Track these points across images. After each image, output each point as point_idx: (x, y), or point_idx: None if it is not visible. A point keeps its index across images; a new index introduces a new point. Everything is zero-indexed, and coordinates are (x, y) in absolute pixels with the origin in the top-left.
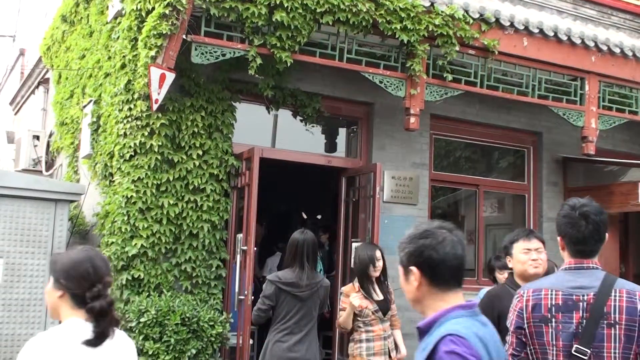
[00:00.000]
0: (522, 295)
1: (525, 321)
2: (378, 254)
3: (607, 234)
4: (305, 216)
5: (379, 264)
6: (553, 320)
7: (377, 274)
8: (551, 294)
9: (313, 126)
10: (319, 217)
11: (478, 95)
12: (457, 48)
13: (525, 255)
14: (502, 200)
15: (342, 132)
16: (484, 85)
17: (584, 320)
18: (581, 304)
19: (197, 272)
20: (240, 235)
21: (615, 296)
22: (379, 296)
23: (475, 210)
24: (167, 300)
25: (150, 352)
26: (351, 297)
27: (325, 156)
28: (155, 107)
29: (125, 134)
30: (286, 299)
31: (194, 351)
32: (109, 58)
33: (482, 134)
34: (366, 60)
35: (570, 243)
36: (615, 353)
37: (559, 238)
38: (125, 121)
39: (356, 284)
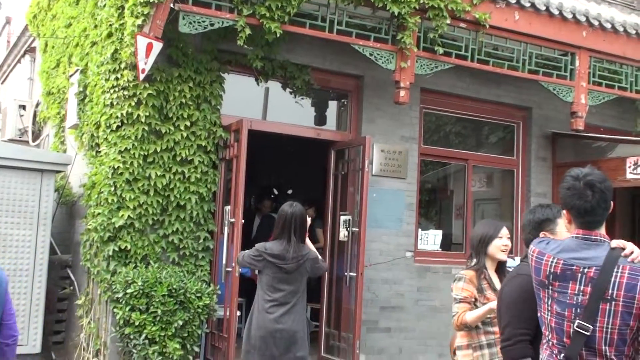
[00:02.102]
0: (529, 252)
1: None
2: (505, 230)
3: (612, 203)
4: (276, 191)
5: (508, 243)
6: (550, 287)
7: (505, 257)
8: (552, 261)
9: (302, 98)
10: (289, 192)
11: (468, 69)
12: (448, 21)
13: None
14: (491, 175)
15: (332, 105)
16: (475, 59)
17: (580, 293)
18: (579, 275)
19: (185, 243)
20: (228, 207)
21: (617, 272)
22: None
23: (464, 184)
24: (154, 271)
25: (136, 324)
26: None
27: (314, 129)
28: (142, 76)
29: (112, 104)
30: (272, 270)
31: (180, 322)
32: (96, 26)
33: (472, 108)
34: (356, 32)
35: (577, 215)
36: (607, 328)
37: (564, 211)
38: (111, 91)
39: (470, 271)
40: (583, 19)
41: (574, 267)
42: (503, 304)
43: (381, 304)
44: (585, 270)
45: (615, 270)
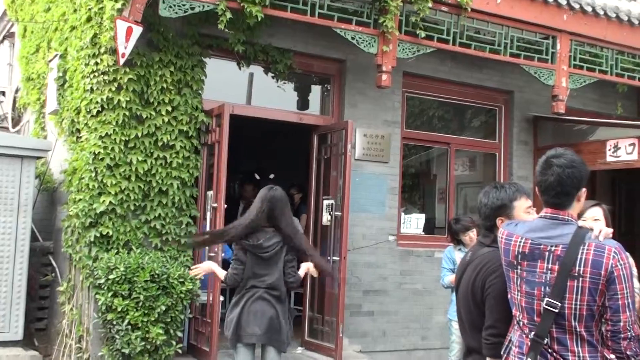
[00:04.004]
0: (499, 235)
1: (502, 261)
2: (591, 213)
3: (579, 191)
4: (258, 177)
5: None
6: (519, 267)
7: None
8: (520, 241)
9: (285, 83)
10: (271, 176)
11: (450, 53)
12: (429, 4)
13: (529, 215)
14: (473, 159)
15: (315, 89)
16: (457, 43)
17: (548, 271)
18: (547, 254)
19: (167, 229)
20: (210, 193)
21: (583, 249)
22: None
23: (446, 168)
24: (136, 257)
25: (119, 309)
26: None
27: (297, 113)
28: (122, 61)
29: (92, 89)
30: (251, 257)
31: (163, 308)
32: (75, 11)
33: (455, 92)
34: (338, 15)
35: (539, 191)
36: (575, 304)
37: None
38: (91, 76)
39: None
40: (564, 2)
41: (542, 246)
42: (493, 295)
43: (364, 288)
44: (553, 248)
45: (581, 247)
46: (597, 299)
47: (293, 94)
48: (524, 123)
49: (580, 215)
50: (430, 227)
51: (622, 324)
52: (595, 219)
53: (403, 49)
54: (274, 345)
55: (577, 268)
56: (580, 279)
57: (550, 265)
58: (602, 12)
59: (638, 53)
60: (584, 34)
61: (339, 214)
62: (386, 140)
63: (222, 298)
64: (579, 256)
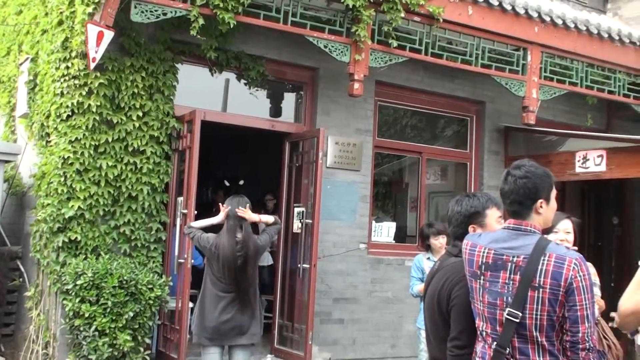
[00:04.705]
0: (463, 246)
1: (466, 272)
2: (564, 225)
3: (534, 202)
4: (227, 183)
5: (564, 238)
6: (482, 277)
7: None
8: (484, 252)
9: (257, 90)
10: (241, 182)
11: (423, 62)
12: (402, 14)
13: (499, 225)
14: (444, 168)
15: (288, 96)
16: (429, 53)
17: (511, 282)
18: (509, 264)
19: (137, 235)
20: (181, 199)
21: (543, 260)
22: None
23: (418, 177)
24: (104, 262)
25: (86, 315)
26: None
27: (269, 120)
28: (92, 65)
29: (62, 93)
30: (219, 262)
31: (131, 314)
32: (46, 14)
33: (427, 101)
34: (311, 24)
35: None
36: (536, 315)
37: None
38: (62, 80)
39: None
40: (535, 14)
41: (504, 257)
42: (458, 307)
43: (334, 296)
44: (515, 259)
45: (542, 258)
46: (557, 309)
47: (266, 101)
48: (495, 133)
49: (552, 228)
50: (401, 236)
51: (580, 334)
52: (567, 232)
53: (375, 58)
54: (241, 346)
55: (537, 279)
56: (541, 289)
57: (512, 276)
58: (572, 25)
59: (607, 66)
60: (555, 47)
61: (310, 221)
62: (358, 149)
63: (191, 305)
64: (540, 267)
